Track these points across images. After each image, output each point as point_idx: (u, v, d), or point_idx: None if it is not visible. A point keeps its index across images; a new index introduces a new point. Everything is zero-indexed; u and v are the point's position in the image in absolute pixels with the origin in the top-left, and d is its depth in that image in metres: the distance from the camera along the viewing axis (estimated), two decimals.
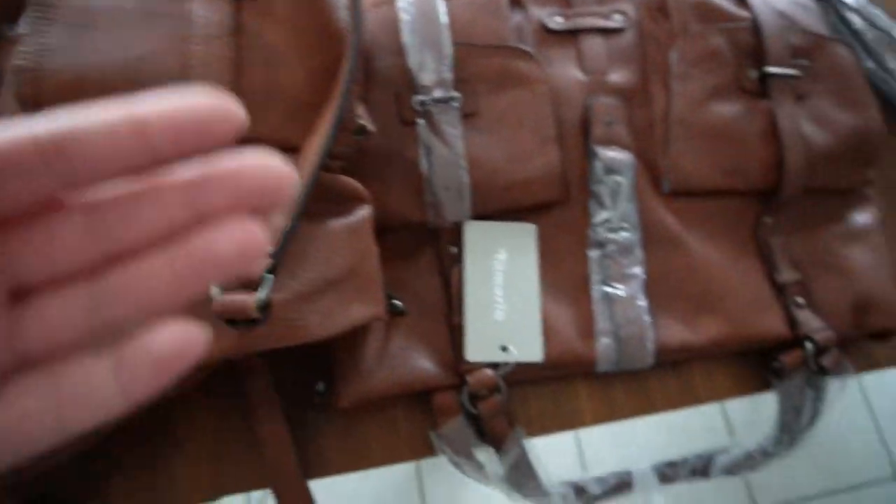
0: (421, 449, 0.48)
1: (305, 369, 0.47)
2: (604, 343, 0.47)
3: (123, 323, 0.17)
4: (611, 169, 0.48)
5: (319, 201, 0.39)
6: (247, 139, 0.30)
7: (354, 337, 0.45)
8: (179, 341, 0.16)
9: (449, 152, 0.46)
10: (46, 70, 0.30)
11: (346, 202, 0.40)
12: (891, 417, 1.27)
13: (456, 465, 0.48)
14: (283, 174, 0.16)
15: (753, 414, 1.27)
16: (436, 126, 0.46)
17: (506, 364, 0.46)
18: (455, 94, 0.47)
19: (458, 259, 0.48)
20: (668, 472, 0.56)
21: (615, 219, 0.48)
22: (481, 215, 0.48)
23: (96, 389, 0.16)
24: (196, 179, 0.16)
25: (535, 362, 0.46)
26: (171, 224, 0.16)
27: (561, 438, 1.19)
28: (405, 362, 0.45)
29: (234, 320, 0.34)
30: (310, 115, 0.35)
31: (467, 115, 0.47)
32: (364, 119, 0.38)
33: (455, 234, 0.48)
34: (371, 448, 0.48)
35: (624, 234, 0.48)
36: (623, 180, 0.49)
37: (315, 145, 0.34)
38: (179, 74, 0.32)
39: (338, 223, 0.40)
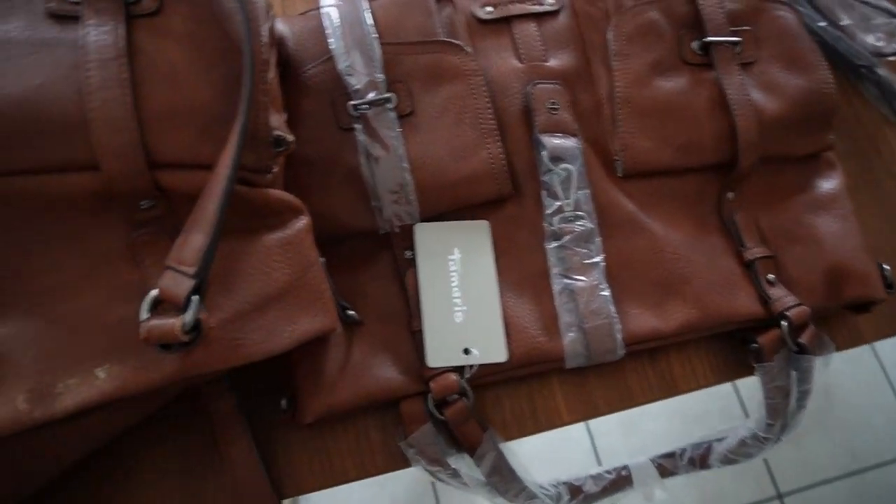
0: (396, 460, 0.46)
1: (273, 385, 0.45)
2: (570, 337, 0.46)
3: None
4: (557, 157, 0.47)
5: (250, 217, 0.38)
6: (159, 162, 0.31)
7: (315, 349, 0.43)
8: None
9: (389, 155, 0.45)
10: None
11: (279, 215, 0.39)
12: None
13: (431, 474, 0.46)
14: None
15: None
16: (373, 129, 0.46)
17: (470, 367, 0.45)
18: (388, 94, 0.46)
19: (412, 263, 0.46)
20: (666, 465, 0.54)
21: (569, 208, 0.47)
22: (432, 216, 0.47)
23: None
24: None
25: (501, 362, 0.45)
26: None
27: (573, 432, 1.17)
28: (368, 372, 0.44)
29: (167, 345, 0.33)
30: (223, 130, 0.34)
31: (404, 116, 0.46)
32: (282, 130, 0.37)
33: (409, 238, 0.47)
34: (344, 463, 0.46)
35: (580, 223, 0.47)
36: (572, 167, 0.47)
37: (225, 160, 0.33)
38: (77, 101, 0.31)
39: (272, 237, 0.39)
